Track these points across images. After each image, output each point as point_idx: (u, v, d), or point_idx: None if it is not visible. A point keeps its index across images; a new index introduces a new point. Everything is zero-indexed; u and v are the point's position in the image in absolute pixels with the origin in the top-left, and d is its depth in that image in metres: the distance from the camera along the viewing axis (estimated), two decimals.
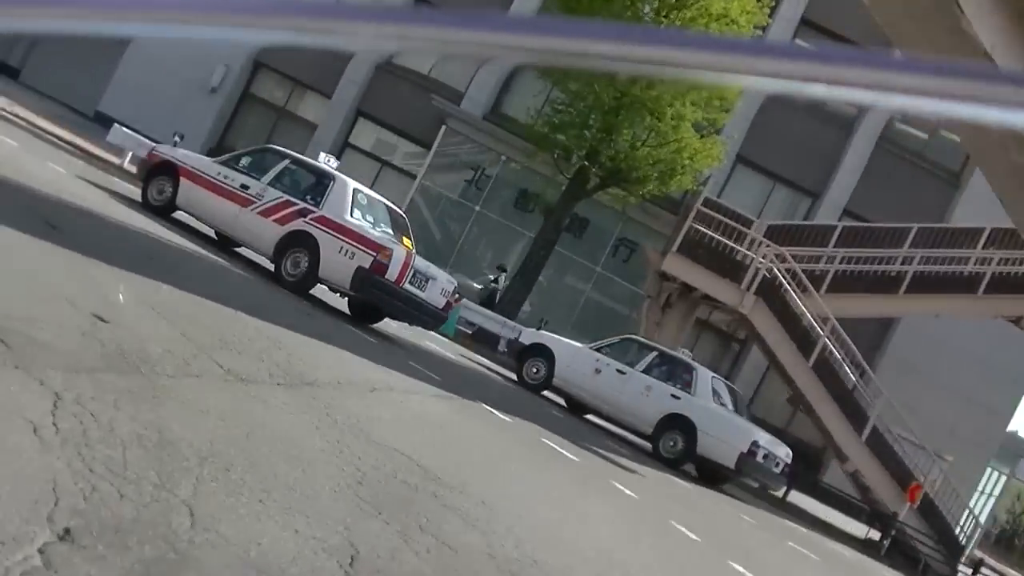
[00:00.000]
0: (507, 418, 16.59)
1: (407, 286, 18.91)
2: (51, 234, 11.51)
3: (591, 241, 41.32)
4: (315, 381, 10.44)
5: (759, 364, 39.68)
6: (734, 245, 32.20)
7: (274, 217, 19.04)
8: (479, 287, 37.26)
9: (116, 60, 42.88)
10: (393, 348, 19.06)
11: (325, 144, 42.34)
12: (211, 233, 20.68)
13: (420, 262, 19.56)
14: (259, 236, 19.26)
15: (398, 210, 21.37)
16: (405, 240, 20.09)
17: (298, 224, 18.82)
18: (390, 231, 19.86)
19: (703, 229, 32.09)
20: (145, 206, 20.32)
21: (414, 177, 42.45)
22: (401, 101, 42.78)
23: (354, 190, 19.57)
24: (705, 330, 40.61)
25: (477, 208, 41.91)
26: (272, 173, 19.91)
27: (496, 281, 35.61)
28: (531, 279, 34.33)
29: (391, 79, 43.35)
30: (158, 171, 20.81)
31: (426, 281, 19.43)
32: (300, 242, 18.73)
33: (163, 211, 20.33)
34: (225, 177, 19.94)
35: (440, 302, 19.99)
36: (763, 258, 31.48)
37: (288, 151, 21.11)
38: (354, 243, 18.44)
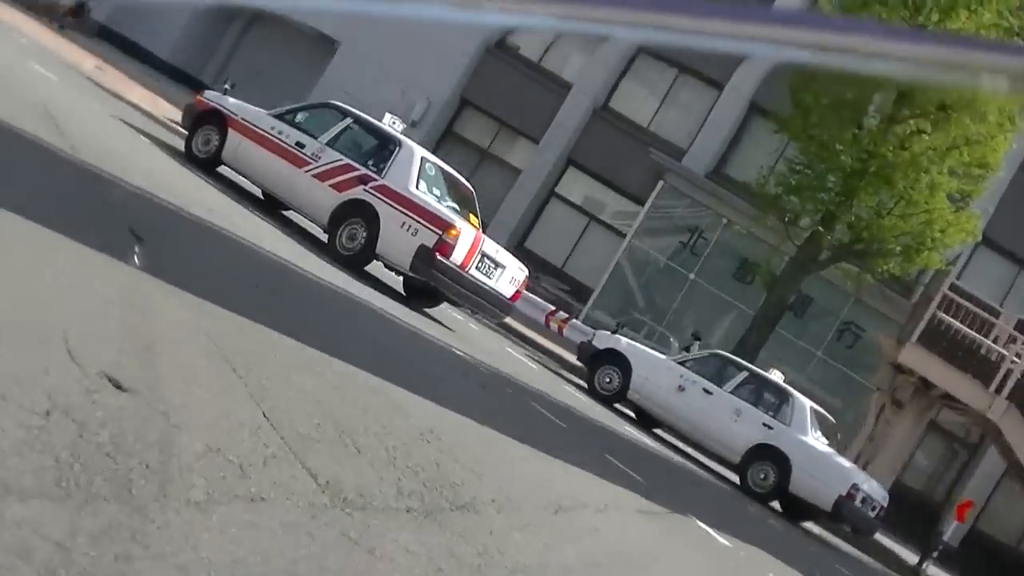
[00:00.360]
0: (727, 542, 12.74)
1: (473, 271, 17.15)
2: (124, 246, 8.14)
3: (813, 322, 37.09)
4: (471, 502, 6.70)
5: (991, 473, 35.63)
6: (983, 339, 28.05)
7: (331, 182, 17.33)
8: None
9: (316, 79, 40.69)
10: (583, 431, 15.79)
11: (530, 192, 39.43)
12: (258, 193, 19.02)
13: (489, 245, 17.75)
14: (313, 202, 17.63)
15: (466, 184, 19.33)
16: (472, 218, 18.09)
17: (357, 192, 17.13)
18: (457, 206, 17.93)
19: (947, 318, 28.04)
20: (188, 158, 18.55)
21: (623, 236, 38.77)
22: (615, 152, 39.13)
23: (422, 158, 17.80)
24: (931, 430, 36.19)
25: (691, 276, 37.92)
26: (331, 132, 18.09)
27: (688, 349, 31.85)
28: (749, 360, 30.23)
29: (606, 128, 39.90)
30: (205, 120, 18.81)
31: (495, 268, 17.65)
32: (358, 212, 17.00)
33: (207, 164, 18.54)
34: (279, 132, 18.06)
35: (508, 291, 18.13)
36: (1017, 357, 27.39)
37: (350, 108, 18.92)
38: (418, 218, 16.68)
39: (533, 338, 28.59)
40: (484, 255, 17.26)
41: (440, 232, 16.42)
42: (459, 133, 42.15)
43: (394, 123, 18.44)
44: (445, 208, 17.21)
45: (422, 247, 16.40)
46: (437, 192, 17.68)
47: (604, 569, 7.91)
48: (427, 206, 16.84)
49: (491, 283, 17.54)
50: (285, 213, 18.92)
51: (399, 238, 16.63)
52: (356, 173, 17.26)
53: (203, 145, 18.60)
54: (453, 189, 18.50)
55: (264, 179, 18.32)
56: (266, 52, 42.50)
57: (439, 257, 16.38)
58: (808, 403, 21.79)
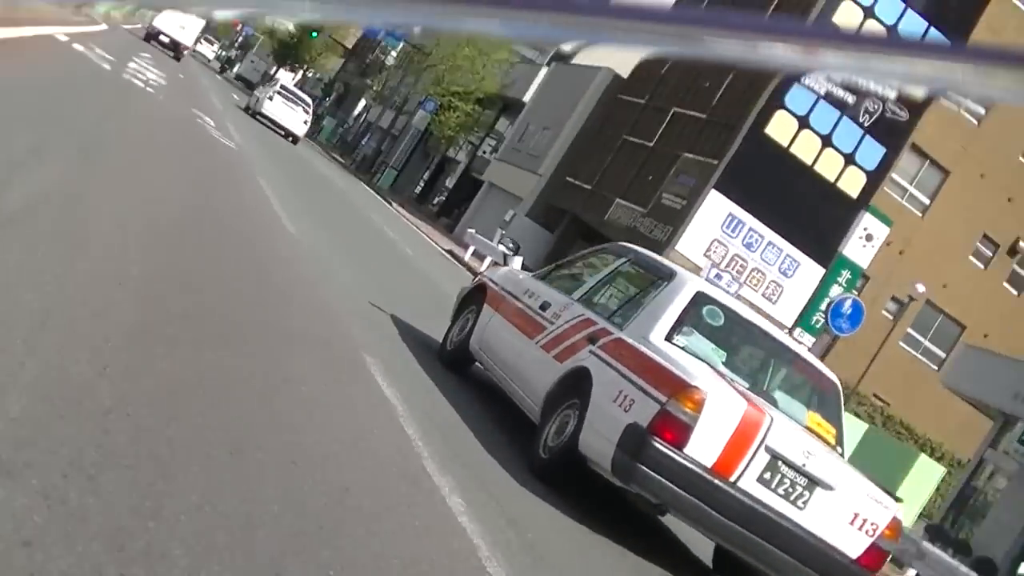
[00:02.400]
0: None
1: (748, 485, 9.11)
2: None
3: None
4: None
5: None
6: None
7: (557, 350, 10.82)
8: None
9: None
10: None
11: None
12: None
13: (791, 438, 9.37)
14: (529, 382, 11.07)
15: (822, 369, 11.39)
16: (818, 426, 10.37)
17: (581, 357, 10.33)
18: (775, 394, 10.60)
19: None
20: (440, 357, 13.33)
21: None
22: None
23: (697, 295, 10.59)
24: None
25: None
26: (591, 282, 11.87)
27: None
28: None
29: None
30: (470, 300, 13.63)
31: (809, 487, 9.23)
32: (577, 389, 10.04)
33: (455, 362, 13.19)
34: (529, 295, 12.25)
35: (853, 544, 9.35)
36: None
37: (636, 248, 12.59)
38: (640, 379, 9.38)
39: None
40: (777, 457, 9.16)
41: (664, 398, 9.01)
42: None
43: (714, 275, 11.31)
44: (712, 375, 9.66)
45: (631, 428, 9.09)
46: (721, 357, 10.44)
47: None
48: (661, 361, 9.53)
49: (800, 516, 9.21)
50: None
51: (607, 419, 9.42)
52: (590, 329, 10.60)
53: (457, 334, 13.28)
54: (777, 366, 11.19)
55: (501, 370, 12.05)
56: None
57: (656, 443, 8.92)
58: None
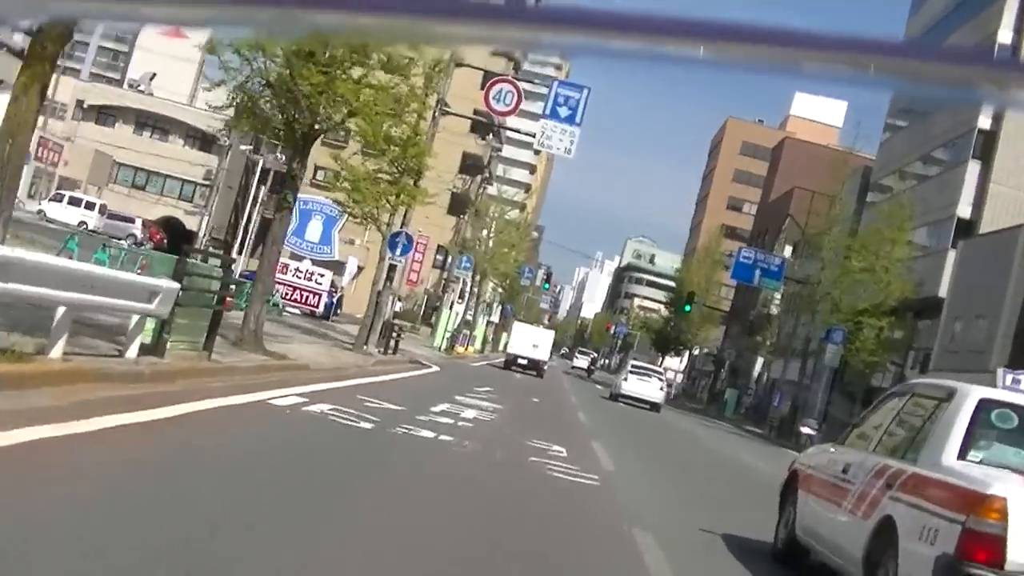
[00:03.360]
0: None
1: None
2: None
3: None
4: None
5: None
6: None
7: (863, 507, 10.46)
8: None
9: None
10: None
11: None
12: None
13: None
14: (848, 550, 10.66)
15: None
16: None
17: (883, 507, 9.97)
18: None
19: None
20: (775, 558, 13.05)
21: None
22: None
23: (980, 404, 10.15)
24: None
25: None
26: (883, 427, 11.64)
27: None
28: None
29: None
30: (789, 489, 13.43)
31: None
32: (887, 541, 9.60)
33: (788, 556, 12.85)
34: (833, 463, 12.11)
35: None
36: None
37: (920, 380, 12.34)
38: (937, 506, 8.98)
39: None
40: None
41: (963, 517, 8.53)
42: None
43: (1010, 380, 10.32)
44: (1009, 476, 9.19)
45: (941, 560, 8.52)
46: (1016, 462, 9.75)
47: None
48: (954, 480, 9.17)
49: None
50: None
51: (917, 560, 8.93)
52: (887, 475, 10.30)
53: (783, 529, 13.10)
54: None
55: (823, 548, 11.81)
56: None
57: (972, 569, 8.34)
58: None
